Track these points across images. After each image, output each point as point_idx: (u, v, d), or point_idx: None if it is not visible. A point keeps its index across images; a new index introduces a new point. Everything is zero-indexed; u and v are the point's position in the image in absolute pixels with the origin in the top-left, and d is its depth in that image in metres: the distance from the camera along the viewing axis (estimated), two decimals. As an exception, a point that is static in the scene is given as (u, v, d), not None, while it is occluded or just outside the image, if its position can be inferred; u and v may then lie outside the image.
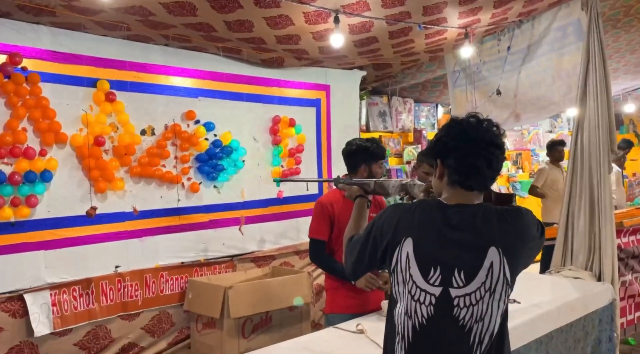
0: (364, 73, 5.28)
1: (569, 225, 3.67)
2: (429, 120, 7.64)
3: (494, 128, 1.54)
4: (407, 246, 1.49)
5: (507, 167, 8.06)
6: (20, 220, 3.35)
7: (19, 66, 3.30)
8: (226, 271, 4.36)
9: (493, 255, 1.45)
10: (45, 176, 3.41)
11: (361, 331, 2.46)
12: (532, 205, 6.52)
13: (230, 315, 3.76)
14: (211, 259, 4.30)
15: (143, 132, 3.90)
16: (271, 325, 4.04)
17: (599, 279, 3.41)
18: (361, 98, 5.92)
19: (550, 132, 9.46)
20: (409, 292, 1.47)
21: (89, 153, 3.59)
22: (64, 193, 3.53)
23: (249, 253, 4.51)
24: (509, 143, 8.56)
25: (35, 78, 3.36)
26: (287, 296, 4.07)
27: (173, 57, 4.02)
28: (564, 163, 6.13)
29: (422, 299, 1.46)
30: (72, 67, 3.54)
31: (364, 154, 2.77)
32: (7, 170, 3.27)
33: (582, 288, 3.20)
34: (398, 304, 1.52)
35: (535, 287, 3.20)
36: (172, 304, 4.08)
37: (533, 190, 6.07)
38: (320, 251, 2.81)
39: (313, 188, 4.87)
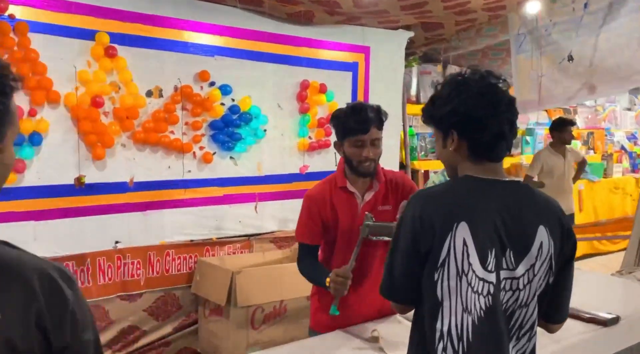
0: (411, 34, 4.62)
1: (646, 219, 3.05)
2: (489, 92, 6.89)
3: (502, 83, 1.40)
4: (462, 231, 1.32)
5: (576, 147, 7.20)
6: (7, 187, 3.01)
7: (5, 14, 2.91)
8: (242, 252, 3.94)
9: (542, 234, 1.37)
10: (34, 139, 3.06)
11: (375, 339, 2.03)
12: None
13: (237, 303, 3.34)
14: (225, 238, 3.88)
15: (149, 94, 3.48)
16: (286, 316, 3.59)
17: (682, 282, 2.83)
18: (410, 64, 5.27)
19: (629, 109, 8.46)
20: (469, 284, 1.32)
21: (86, 115, 3.21)
22: (56, 159, 3.17)
23: (269, 233, 4.06)
24: (580, 120, 7.69)
25: (24, 27, 2.97)
26: (306, 283, 3.60)
27: (186, 9, 3.54)
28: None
29: (480, 290, 1.33)
30: (66, 16, 3.13)
31: (337, 127, 2.15)
32: (-9, 131, 2.93)
33: (663, 293, 2.64)
34: (447, 303, 1.34)
35: (602, 291, 2.66)
36: (179, 285, 3.70)
37: (525, 181, 5.26)
38: (305, 257, 2.26)
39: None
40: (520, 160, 6.61)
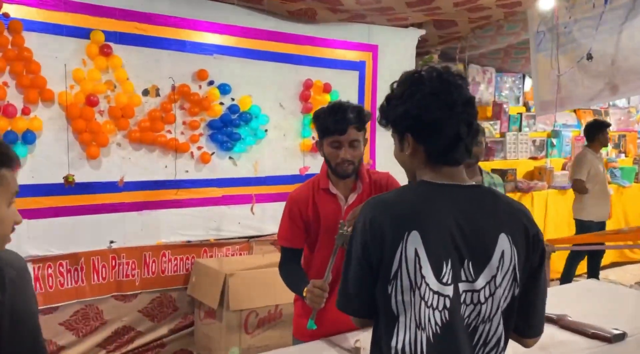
0: (422, 32, 4.46)
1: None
2: (513, 92, 6.64)
3: (460, 80, 1.28)
4: (414, 241, 1.22)
5: (606, 151, 6.87)
6: None
7: (-1, 12, 2.94)
8: (241, 254, 3.87)
9: (504, 242, 1.26)
10: (28, 137, 3.05)
11: (357, 350, 1.94)
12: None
13: (229, 307, 3.27)
14: (223, 239, 3.82)
15: (146, 92, 3.44)
16: (281, 320, 3.50)
17: None
18: (425, 63, 5.11)
19: (666, 111, 8.01)
20: (422, 298, 1.22)
21: (80, 114, 3.19)
22: (50, 158, 3.17)
23: (269, 234, 3.97)
24: (612, 122, 7.33)
25: (18, 26, 2.97)
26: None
27: (183, 6, 3.49)
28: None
29: (435, 305, 1.23)
30: (61, 14, 3.11)
31: (316, 126, 2.06)
32: (-16, 129, 2.94)
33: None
34: (402, 319, 1.24)
35: (612, 305, 2.49)
36: (176, 286, 3.66)
37: (578, 185, 4.93)
38: (287, 262, 2.16)
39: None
40: (545, 163, 6.34)
